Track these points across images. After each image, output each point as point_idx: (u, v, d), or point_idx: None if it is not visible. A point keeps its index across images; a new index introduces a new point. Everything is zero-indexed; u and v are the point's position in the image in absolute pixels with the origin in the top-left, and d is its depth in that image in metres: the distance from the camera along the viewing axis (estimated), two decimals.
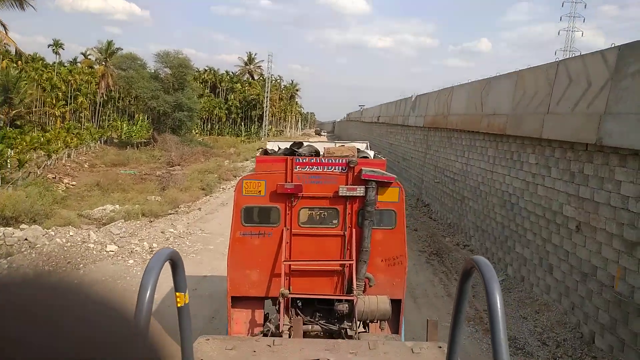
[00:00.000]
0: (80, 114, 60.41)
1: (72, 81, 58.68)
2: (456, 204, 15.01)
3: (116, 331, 0.31)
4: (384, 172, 5.23)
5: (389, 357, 4.01)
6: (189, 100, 46.02)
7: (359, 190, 5.17)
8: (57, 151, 32.96)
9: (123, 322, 0.33)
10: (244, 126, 78.09)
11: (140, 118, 60.21)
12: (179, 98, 45.02)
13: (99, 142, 47.92)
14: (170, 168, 34.47)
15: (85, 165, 34.39)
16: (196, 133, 66.46)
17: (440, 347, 4.04)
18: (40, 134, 40.57)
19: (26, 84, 45.90)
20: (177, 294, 2.27)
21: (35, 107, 51.78)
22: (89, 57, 63.40)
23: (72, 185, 25.38)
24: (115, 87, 58.35)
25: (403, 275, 5.36)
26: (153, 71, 46.12)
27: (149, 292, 1.85)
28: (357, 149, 6.01)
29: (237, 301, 5.36)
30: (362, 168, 5.19)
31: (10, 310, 0.27)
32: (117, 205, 17.38)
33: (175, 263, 2.19)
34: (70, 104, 59.64)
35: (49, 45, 61.76)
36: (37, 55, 57.88)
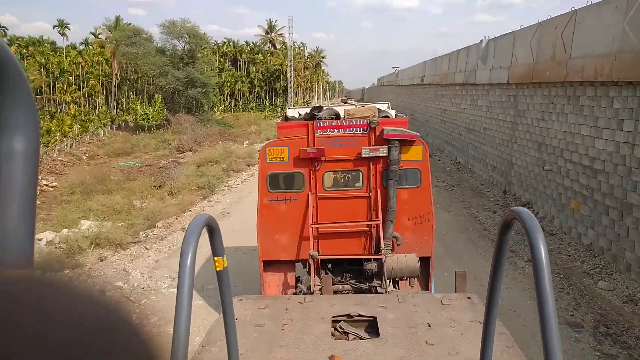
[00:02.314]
0: (95, 98, 55.55)
1: (82, 63, 53.63)
2: (600, 212, 8.59)
3: (104, 321, 0.31)
4: (406, 130, 5.08)
5: (418, 309, 3.95)
6: (202, 74, 40.01)
7: (382, 150, 5.04)
8: (47, 144, 27.96)
9: (111, 313, 0.32)
10: (269, 100, 71.91)
11: (159, 99, 54.92)
12: (190, 73, 39.09)
13: (109, 127, 43.01)
14: (180, 155, 28.94)
15: (84, 157, 29.28)
16: (218, 111, 60.90)
17: (469, 298, 4.03)
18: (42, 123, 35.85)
19: (27, 68, 41.06)
20: (216, 258, 2.22)
21: (45, 94, 47.19)
22: (99, 36, 58.01)
23: (53, 187, 20.13)
24: (130, 66, 52.94)
25: (431, 233, 5.24)
26: (159, 45, 40.17)
27: (189, 257, 1.80)
28: (378, 109, 5.81)
29: (269, 265, 5.31)
30: (384, 128, 5.04)
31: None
32: (91, 221, 11.94)
33: (213, 229, 2.14)
34: (83, 88, 54.86)
35: (54, 26, 56.44)
36: (44, 38, 52.76)
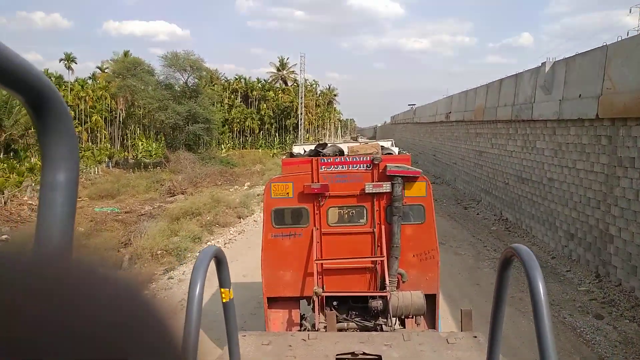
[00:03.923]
0: (97, 134, 52.66)
1: (86, 97, 51.07)
2: None
3: (132, 312, 0.30)
4: (409, 167, 5.07)
5: (423, 347, 3.86)
6: (205, 110, 36.65)
7: (385, 187, 4.99)
8: (19, 184, 24.30)
9: (140, 305, 0.32)
10: (279, 137, 68.67)
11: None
12: (192, 108, 35.76)
13: (106, 165, 39.58)
14: (171, 198, 25.07)
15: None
16: (226, 147, 57.58)
17: (476, 337, 3.93)
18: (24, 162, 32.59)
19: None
20: (222, 290, 2.24)
21: None
22: (106, 70, 55.72)
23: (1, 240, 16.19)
24: (133, 100, 50.15)
25: (436, 270, 5.10)
26: (161, 78, 37.10)
27: (198, 288, 1.83)
28: (381, 146, 5.81)
29: (273, 302, 5.21)
30: (387, 164, 5.02)
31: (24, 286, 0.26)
32: None
33: (220, 260, 2.20)
34: (86, 122, 52.12)
35: (60, 60, 54.32)
36: (47, 71, 50.42)
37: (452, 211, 16.79)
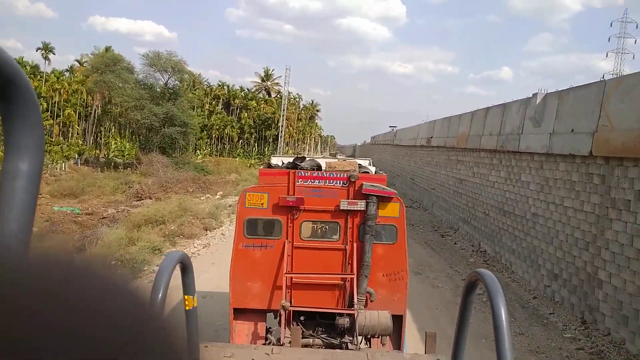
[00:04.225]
0: (69, 129, 50.62)
1: (60, 90, 49.15)
2: None
3: (133, 313, 0.30)
4: (385, 187, 5.06)
5: None
6: (183, 113, 35.54)
7: (360, 205, 4.99)
8: None
9: (140, 306, 0.32)
10: (258, 147, 67.69)
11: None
12: (170, 110, 34.59)
13: (74, 161, 37.85)
14: (137, 202, 23.81)
15: None
16: (202, 153, 56.23)
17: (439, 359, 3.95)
18: None
19: None
20: (186, 297, 2.18)
21: None
22: (85, 64, 53.93)
23: None
24: (113, 99, 48.43)
25: (404, 291, 5.09)
26: (140, 77, 35.88)
27: (160, 293, 1.76)
28: (359, 164, 5.84)
29: (240, 313, 5.13)
30: (363, 183, 5.02)
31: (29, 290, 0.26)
32: None
33: (186, 266, 2.15)
34: (59, 116, 50.08)
35: (37, 49, 52.19)
36: (22, 59, 48.32)
37: (429, 238, 16.20)
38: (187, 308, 2.18)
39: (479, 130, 15.67)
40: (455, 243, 15.61)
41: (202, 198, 25.27)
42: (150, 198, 24.56)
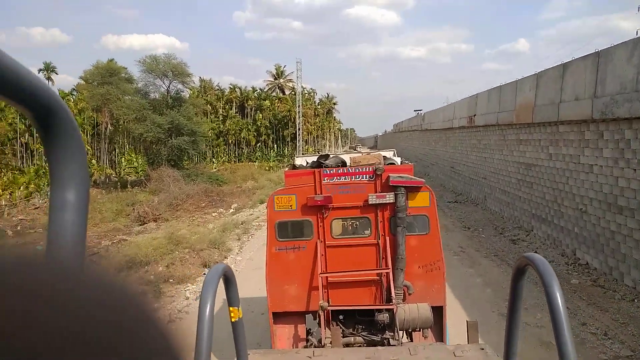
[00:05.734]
0: None
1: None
2: None
3: (126, 316, 0.30)
4: (412, 177, 4.94)
5: None
6: (189, 120, 32.20)
7: (389, 197, 4.88)
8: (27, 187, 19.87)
9: (136, 308, 0.31)
10: (276, 148, 64.23)
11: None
12: (174, 118, 31.30)
13: None
14: (140, 227, 20.55)
15: (9, 232, 20.94)
16: (220, 161, 53.14)
17: (483, 349, 3.85)
18: None
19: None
20: (231, 308, 2.17)
21: (17, 144, 39.92)
22: (90, 83, 51.42)
23: None
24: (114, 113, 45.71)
25: (442, 281, 4.96)
26: (140, 86, 32.73)
27: (208, 307, 1.77)
28: (384, 156, 5.73)
29: (279, 317, 5.13)
30: (390, 175, 4.93)
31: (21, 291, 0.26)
32: None
33: (229, 279, 2.11)
34: None
35: (39, 70, 49.89)
36: None
37: (497, 247, 12.19)
38: (232, 320, 2.19)
39: (554, 96, 11.52)
40: (534, 252, 11.52)
41: (213, 214, 21.86)
42: (155, 220, 21.25)
